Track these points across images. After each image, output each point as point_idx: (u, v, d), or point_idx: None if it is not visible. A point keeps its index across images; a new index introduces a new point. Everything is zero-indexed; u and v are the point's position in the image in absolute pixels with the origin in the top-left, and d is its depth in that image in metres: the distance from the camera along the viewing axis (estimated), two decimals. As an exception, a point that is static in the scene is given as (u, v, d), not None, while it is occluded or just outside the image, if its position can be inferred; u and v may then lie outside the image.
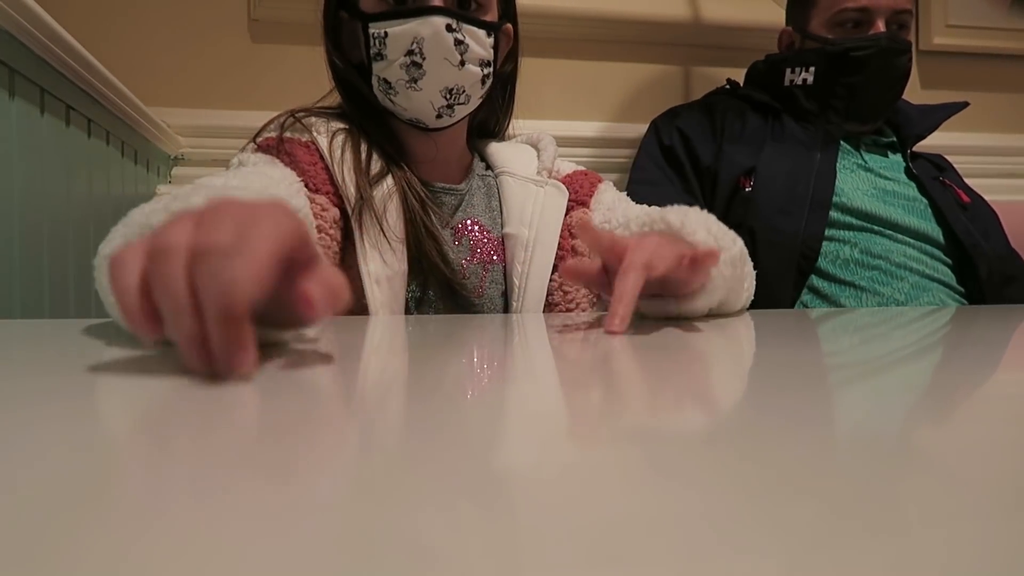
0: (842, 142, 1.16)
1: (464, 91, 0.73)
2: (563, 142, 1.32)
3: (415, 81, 0.71)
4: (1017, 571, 0.10)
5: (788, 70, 1.18)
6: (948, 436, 0.19)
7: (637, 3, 1.43)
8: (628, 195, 0.88)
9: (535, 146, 0.87)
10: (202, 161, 1.22)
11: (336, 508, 0.13)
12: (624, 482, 0.15)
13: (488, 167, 0.84)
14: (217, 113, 1.24)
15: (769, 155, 1.12)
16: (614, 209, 0.80)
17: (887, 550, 0.11)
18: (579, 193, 0.83)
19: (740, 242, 0.62)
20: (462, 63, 0.71)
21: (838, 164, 1.13)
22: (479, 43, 0.72)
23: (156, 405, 0.23)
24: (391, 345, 0.38)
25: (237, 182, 0.60)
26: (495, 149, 0.85)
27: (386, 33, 0.70)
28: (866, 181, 1.13)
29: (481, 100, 0.78)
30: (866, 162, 1.16)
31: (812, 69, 1.15)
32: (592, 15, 1.41)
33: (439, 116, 0.74)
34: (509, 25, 0.80)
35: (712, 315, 0.59)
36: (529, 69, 1.43)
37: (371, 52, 0.72)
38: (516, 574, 0.10)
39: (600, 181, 0.86)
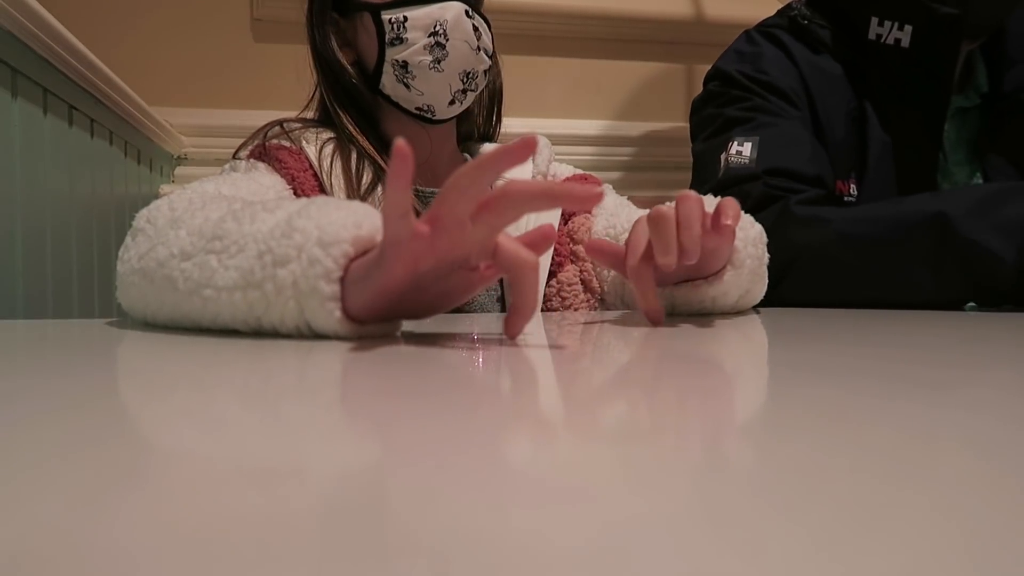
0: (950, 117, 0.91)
1: (476, 77, 0.76)
2: (565, 140, 1.33)
3: (439, 62, 0.73)
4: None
5: (875, 20, 0.89)
6: (961, 436, 0.19)
7: (640, 1, 1.43)
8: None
9: None
10: (205, 161, 1.22)
11: (337, 507, 0.13)
12: (628, 481, 0.15)
13: None
14: (220, 113, 1.24)
15: (879, 143, 0.88)
16: (617, 215, 0.79)
17: (897, 550, 0.11)
18: None
19: (758, 226, 0.62)
20: (478, 48, 0.74)
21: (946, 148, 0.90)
22: (486, 33, 0.76)
23: (160, 404, 0.23)
24: (391, 346, 0.38)
25: (228, 189, 0.62)
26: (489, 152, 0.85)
27: (405, 17, 0.72)
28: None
29: (477, 94, 0.79)
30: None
31: (908, 29, 0.87)
32: (595, 13, 1.41)
33: (452, 102, 0.76)
34: None
35: (737, 310, 0.59)
36: (531, 67, 1.44)
37: (387, 38, 0.73)
38: (519, 574, 0.10)
39: (599, 184, 0.85)
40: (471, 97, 0.78)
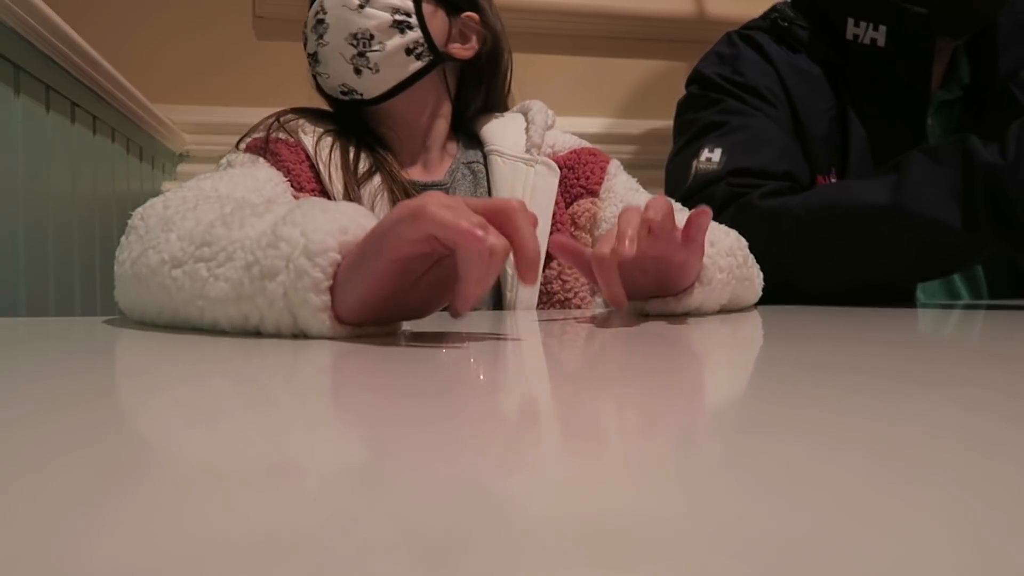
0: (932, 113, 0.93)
1: (372, 36, 0.72)
2: (567, 139, 1.33)
3: (321, 37, 0.75)
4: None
5: (851, 21, 0.91)
6: (960, 435, 0.19)
7: (642, -1, 1.43)
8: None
9: (525, 115, 0.83)
10: (207, 158, 1.22)
11: (337, 507, 0.13)
12: (627, 480, 0.15)
13: (479, 145, 0.82)
14: (222, 110, 1.24)
15: (860, 140, 0.90)
16: (627, 200, 0.76)
17: (894, 548, 0.11)
18: (589, 180, 0.78)
19: (733, 232, 0.61)
20: (361, 6, 0.72)
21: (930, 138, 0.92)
22: None
23: (160, 403, 0.23)
24: (388, 346, 0.38)
25: (225, 186, 0.62)
26: (485, 123, 0.83)
27: (307, 20, 0.77)
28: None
29: (416, 58, 0.74)
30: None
31: (883, 29, 0.89)
32: (597, 11, 1.41)
33: (357, 71, 0.73)
34: (472, 14, 0.79)
35: (724, 310, 0.59)
36: (533, 65, 1.43)
37: (304, 44, 0.77)
38: (520, 573, 0.10)
39: (608, 162, 0.81)
40: (383, 61, 0.73)
